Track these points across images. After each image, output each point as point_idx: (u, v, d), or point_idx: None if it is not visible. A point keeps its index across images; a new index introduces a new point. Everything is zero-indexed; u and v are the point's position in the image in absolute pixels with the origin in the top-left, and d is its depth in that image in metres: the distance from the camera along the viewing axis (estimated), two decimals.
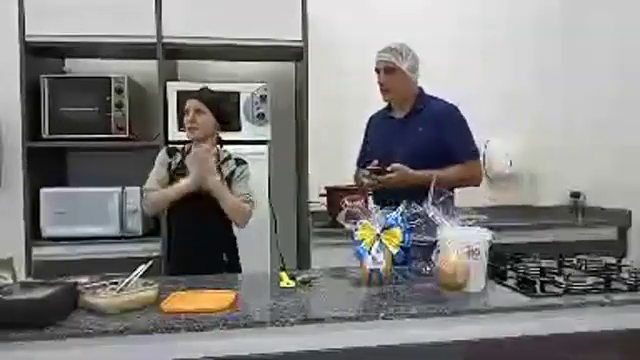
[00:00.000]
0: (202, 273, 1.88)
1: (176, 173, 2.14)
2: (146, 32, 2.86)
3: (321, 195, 3.14)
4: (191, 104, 2.11)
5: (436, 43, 3.60)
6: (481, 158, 3.71)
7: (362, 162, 2.35)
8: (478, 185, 2.21)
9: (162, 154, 2.22)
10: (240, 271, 2.20)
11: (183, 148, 2.24)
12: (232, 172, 2.17)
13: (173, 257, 2.23)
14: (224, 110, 2.23)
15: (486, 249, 1.59)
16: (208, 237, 2.12)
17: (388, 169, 2.04)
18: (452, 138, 2.12)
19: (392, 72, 2.14)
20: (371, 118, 2.36)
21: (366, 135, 2.36)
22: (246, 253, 2.30)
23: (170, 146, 2.28)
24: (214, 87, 2.20)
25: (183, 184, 2.05)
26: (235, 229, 2.23)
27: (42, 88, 2.82)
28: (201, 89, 2.22)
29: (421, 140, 2.12)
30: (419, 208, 1.68)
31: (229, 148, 2.32)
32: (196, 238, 2.11)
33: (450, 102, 2.20)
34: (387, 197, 1.95)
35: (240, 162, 2.20)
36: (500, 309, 1.45)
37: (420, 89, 2.22)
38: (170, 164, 2.17)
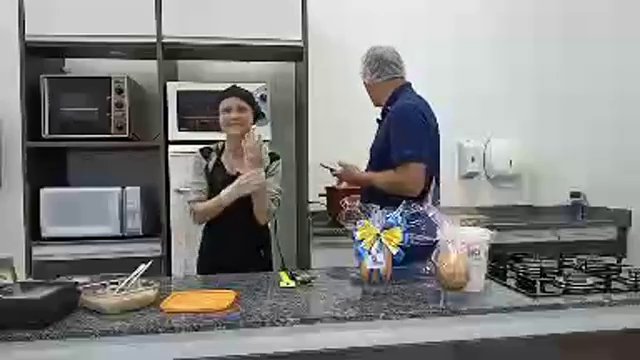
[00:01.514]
0: (237, 267, 1.94)
1: (214, 174, 2.14)
2: (146, 32, 2.85)
3: (321, 195, 3.14)
4: (233, 102, 2.12)
5: (436, 42, 3.60)
6: (481, 159, 3.74)
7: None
8: (411, 193, 1.91)
9: (197, 159, 2.19)
10: (271, 266, 2.24)
11: (217, 147, 2.22)
12: (266, 168, 2.17)
13: (208, 252, 2.19)
14: (257, 105, 2.28)
15: (486, 249, 1.59)
16: (243, 232, 2.12)
17: (337, 164, 2.20)
18: (390, 140, 2.04)
19: (363, 83, 2.23)
20: None
21: None
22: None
23: (203, 147, 2.24)
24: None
25: (223, 197, 2.03)
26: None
27: (42, 88, 2.82)
28: (232, 87, 2.21)
29: (378, 142, 2.15)
30: (419, 208, 1.68)
31: None
32: (232, 233, 2.11)
33: (410, 101, 2.09)
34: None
35: (274, 157, 2.23)
36: (500, 309, 1.45)
37: (399, 88, 2.17)
38: (207, 167, 2.16)
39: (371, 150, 2.23)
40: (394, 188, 1.95)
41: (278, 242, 2.89)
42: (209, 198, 2.10)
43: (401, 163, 1.99)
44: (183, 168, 2.53)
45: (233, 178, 2.07)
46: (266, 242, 2.25)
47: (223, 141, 2.22)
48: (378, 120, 2.26)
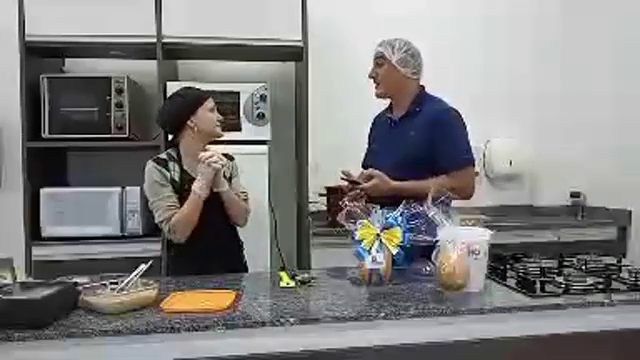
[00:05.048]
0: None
1: (183, 185, 1.95)
2: (146, 32, 2.86)
3: (321, 195, 3.14)
4: (213, 103, 2.03)
5: (437, 43, 3.59)
6: (480, 159, 3.74)
7: (365, 164, 2.35)
8: (468, 197, 2.00)
9: (155, 172, 1.97)
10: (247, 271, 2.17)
11: (171, 155, 2.03)
12: (230, 173, 2.12)
13: (185, 260, 2.03)
14: None
15: (486, 249, 1.59)
16: (222, 239, 2.03)
17: (365, 172, 1.96)
18: (439, 144, 1.96)
19: (381, 65, 2.07)
20: (375, 118, 2.33)
21: (369, 135, 2.35)
22: (246, 253, 2.29)
23: (155, 157, 2.03)
24: (214, 87, 2.18)
25: (197, 191, 1.88)
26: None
27: (42, 88, 2.82)
28: (198, 89, 2.09)
29: (410, 145, 2.00)
30: (419, 208, 1.68)
31: (230, 148, 2.31)
32: (210, 241, 1.98)
33: (449, 105, 2.06)
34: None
35: (230, 157, 2.15)
36: (500, 309, 1.44)
37: (421, 89, 2.13)
38: (172, 179, 1.97)
39: (381, 152, 2.13)
40: (453, 193, 1.84)
41: (278, 242, 2.90)
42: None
43: (462, 167, 1.98)
44: None
45: None
46: (240, 247, 2.18)
47: (169, 145, 2.07)
48: (393, 120, 2.14)
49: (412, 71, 2.07)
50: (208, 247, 1.97)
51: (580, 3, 3.82)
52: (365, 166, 2.33)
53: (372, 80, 2.13)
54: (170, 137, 2.10)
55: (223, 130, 2.08)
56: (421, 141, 1.99)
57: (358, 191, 1.98)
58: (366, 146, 2.31)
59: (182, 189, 1.96)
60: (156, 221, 1.97)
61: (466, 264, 1.53)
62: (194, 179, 1.96)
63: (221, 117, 2.04)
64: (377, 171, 1.94)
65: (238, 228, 2.16)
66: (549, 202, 3.87)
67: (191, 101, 1.99)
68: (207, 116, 1.99)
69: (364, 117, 2.37)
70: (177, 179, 1.97)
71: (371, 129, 2.33)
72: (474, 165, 2.05)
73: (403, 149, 2.03)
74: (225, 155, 2.10)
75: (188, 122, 1.97)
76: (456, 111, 2.05)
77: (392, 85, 2.09)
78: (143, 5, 2.85)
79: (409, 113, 2.09)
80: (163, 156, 2.04)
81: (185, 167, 2.00)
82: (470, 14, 3.73)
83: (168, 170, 1.97)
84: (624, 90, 3.56)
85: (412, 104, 2.09)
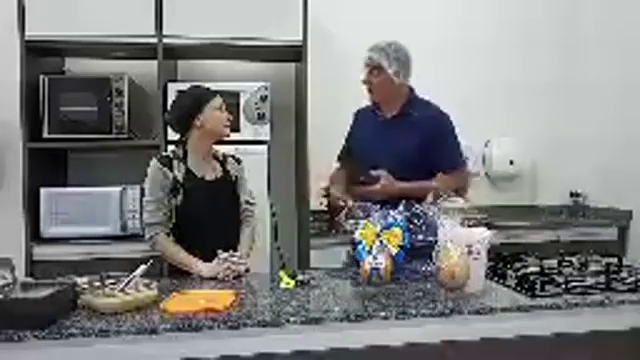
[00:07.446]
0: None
1: (186, 184, 1.93)
2: (146, 32, 2.85)
3: (323, 196, 3.13)
4: (222, 102, 2.00)
5: (438, 43, 3.60)
6: (480, 158, 3.75)
7: (342, 157, 2.36)
8: (463, 195, 2.05)
9: (159, 170, 1.93)
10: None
11: (176, 154, 1.99)
12: (236, 175, 2.10)
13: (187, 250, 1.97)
14: None
15: (486, 249, 1.59)
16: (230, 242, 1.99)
17: (373, 174, 1.99)
18: (440, 148, 2.06)
19: (378, 74, 2.07)
20: (358, 113, 2.31)
21: (351, 129, 2.34)
22: None
23: (160, 156, 2.00)
24: (214, 87, 2.16)
25: (201, 269, 1.84)
26: None
27: (42, 88, 2.82)
28: (206, 88, 2.07)
29: (407, 145, 2.04)
30: (419, 208, 1.68)
31: (230, 148, 2.31)
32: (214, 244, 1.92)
33: (440, 109, 2.13)
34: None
35: (239, 161, 2.14)
36: (500, 309, 1.45)
37: (410, 91, 2.14)
38: (175, 178, 1.93)
39: (374, 151, 2.13)
40: (453, 192, 1.93)
41: (278, 242, 2.89)
42: (183, 210, 1.94)
43: (461, 167, 2.18)
44: None
45: (209, 183, 1.97)
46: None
47: (176, 143, 2.05)
48: (384, 119, 2.16)
49: (406, 75, 2.12)
50: (213, 238, 1.94)
51: (581, 6, 3.82)
52: (340, 158, 2.32)
53: (364, 84, 2.13)
54: (178, 137, 2.07)
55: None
56: (416, 143, 2.04)
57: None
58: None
59: (185, 188, 1.94)
60: (143, 219, 1.99)
61: (466, 264, 1.53)
62: (198, 178, 1.96)
63: (230, 116, 2.02)
64: (385, 173, 1.99)
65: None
66: (549, 202, 3.87)
67: (197, 99, 1.97)
68: (214, 115, 1.96)
69: None
70: (180, 178, 1.94)
71: (354, 124, 2.33)
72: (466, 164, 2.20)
73: (398, 149, 2.07)
74: (233, 158, 2.12)
75: (195, 120, 1.95)
76: (448, 115, 2.14)
77: (387, 93, 2.13)
78: (143, 5, 2.85)
79: (401, 114, 2.12)
80: (168, 154, 2.01)
81: (190, 166, 1.97)
82: (471, 15, 3.73)
83: (172, 169, 1.94)
84: (626, 89, 3.56)
85: (404, 106, 2.13)
